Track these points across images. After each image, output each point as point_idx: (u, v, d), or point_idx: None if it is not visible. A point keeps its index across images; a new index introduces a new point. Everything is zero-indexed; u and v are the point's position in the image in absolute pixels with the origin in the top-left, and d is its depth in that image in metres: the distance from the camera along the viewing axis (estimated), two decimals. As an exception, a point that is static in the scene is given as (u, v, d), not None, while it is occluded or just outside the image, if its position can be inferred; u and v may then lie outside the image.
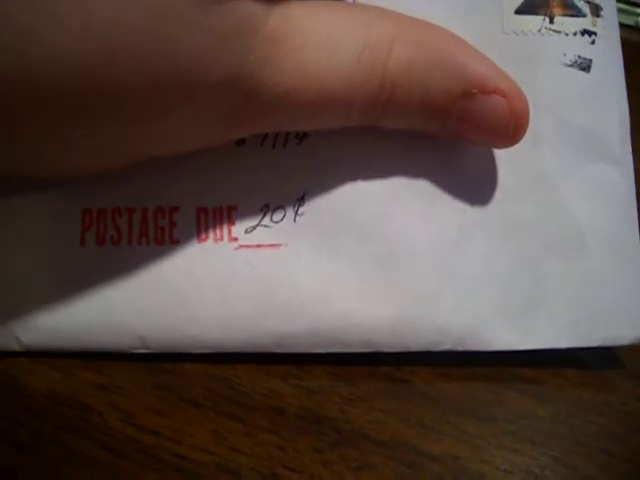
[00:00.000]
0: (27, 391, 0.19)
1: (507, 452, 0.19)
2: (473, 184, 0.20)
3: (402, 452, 0.19)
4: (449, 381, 0.20)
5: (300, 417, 0.19)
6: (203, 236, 0.20)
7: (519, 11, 0.21)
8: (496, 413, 0.20)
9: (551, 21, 0.21)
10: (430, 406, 0.20)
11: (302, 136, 0.20)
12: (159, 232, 0.20)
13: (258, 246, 0.20)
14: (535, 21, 0.21)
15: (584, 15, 0.21)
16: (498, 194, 0.20)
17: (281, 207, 0.20)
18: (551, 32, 0.21)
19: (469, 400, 0.20)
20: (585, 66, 0.21)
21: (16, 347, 0.19)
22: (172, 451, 0.18)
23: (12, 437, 0.18)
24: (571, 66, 0.21)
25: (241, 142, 0.20)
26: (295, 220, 0.20)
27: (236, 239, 0.20)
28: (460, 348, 0.20)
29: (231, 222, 0.20)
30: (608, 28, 0.21)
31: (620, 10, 0.28)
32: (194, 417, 0.19)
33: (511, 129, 0.19)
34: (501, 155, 0.21)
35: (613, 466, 0.19)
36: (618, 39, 0.21)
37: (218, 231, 0.20)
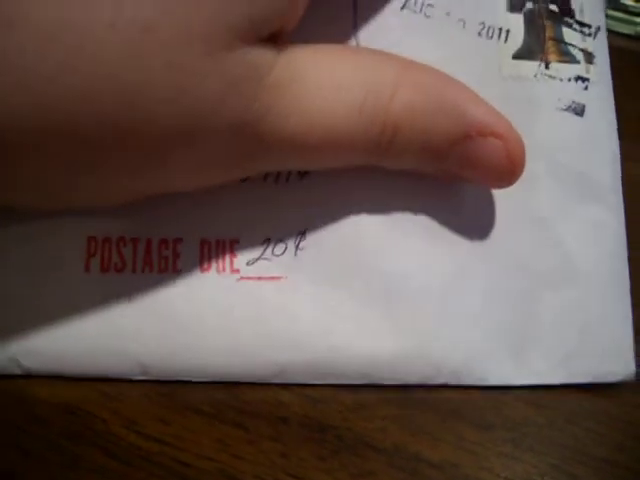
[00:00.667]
0: (32, 398, 0.19)
1: (507, 460, 0.19)
2: (471, 222, 0.21)
3: (403, 459, 0.19)
4: (449, 389, 0.20)
5: (303, 425, 0.19)
6: (205, 266, 0.20)
7: (516, 56, 0.21)
8: (495, 421, 0.20)
9: (547, 67, 0.22)
10: (430, 413, 0.20)
11: (304, 173, 0.21)
12: (162, 261, 0.20)
13: (259, 278, 0.20)
14: (531, 66, 0.21)
15: (578, 62, 0.22)
16: (494, 233, 0.21)
17: (282, 241, 0.20)
18: (547, 77, 0.22)
19: (468, 407, 0.20)
20: (579, 111, 0.22)
21: (16, 370, 0.19)
22: (176, 458, 0.18)
23: (17, 443, 0.18)
24: (566, 110, 0.22)
25: (244, 178, 0.20)
26: (296, 254, 0.20)
27: (238, 270, 0.20)
28: (455, 382, 0.20)
29: (233, 254, 0.20)
30: (601, 75, 0.22)
31: (620, 19, 0.28)
32: (197, 425, 0.19)
33: (508, 171, 0.19)
34: (498, 194, 0.21)
35: (613, 474, 0.19)
36: (610, 85, 0.22)
37: (220, 262, 0.20)
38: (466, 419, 0.20)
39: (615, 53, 0.29)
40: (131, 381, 0.20)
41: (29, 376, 0.19)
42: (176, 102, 0.16)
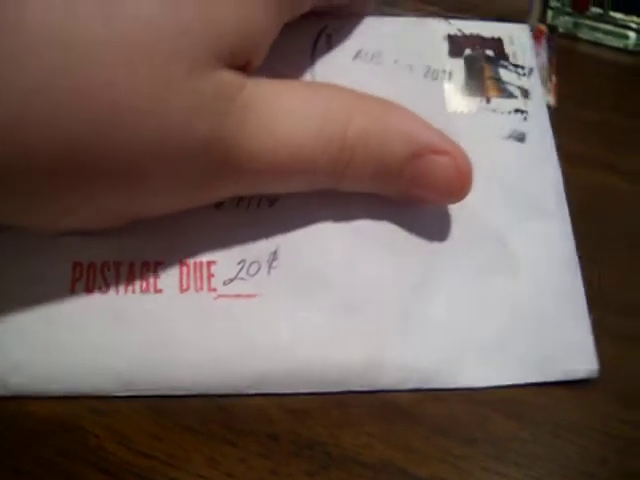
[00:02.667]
0: (24, 413, 0.19)
1: (491, 474, 0.20)
2: (430, 236, 0.23)
3: (390, 474, 0.19)
4: (434, 402, 0.21)
5: (292, 442, 0.20)
6: (185, 286, 0.21)
7: (459, 94, 0.24)
8: (479, 435, 0.20)
9: (488, 101, 0.24)
10: (416, 428, 0.20)
11: (273, 200, 0.22)
12: (144, 283, 0.21)
13: (236, 296, 0.21)
14: (474, 102, 0.24)
15: (515, 97, 0.25)
16: (452, 245, 0.23)
17: (256, 262, 0.22)
18: (488, 111, 0.24)
19: (453, 422, 0.21)
20: (520, 137, 0.24)
21: (2, 391, 0.20)
22: (167, 475, 0.19)
23: (9, 459, 0.19)
24: (508, 138, 0.24)
25: (219, 205, 0.22)
26: (269, 273, 0.22)
27: (215, 289, 0.21)
28: (426, 386, 0.21)
29: (210, 275, 0.21)
30: (537, 107, 0.25)
31: (610, 33, 0.28)
32: (189, 442, 0.19)
33: (458, 185, 0.21)
34: (454, 212, 0.23)
35: (597, 488, 0.20)
36: (547, 115, 0.25)
37: (199, 282, 0.21)
38: (451, 434, 0.20)
39: (606, 66, 0.29)
40: (122, 397, 0.20)
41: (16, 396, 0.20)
42: (157, 118, 0.17)
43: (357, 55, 0.24)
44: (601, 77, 0.27)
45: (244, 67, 0.19)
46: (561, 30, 0.28)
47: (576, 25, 0.28)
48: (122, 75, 0.16)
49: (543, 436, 0.20)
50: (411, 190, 0.21)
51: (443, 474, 0.19)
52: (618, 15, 0.27)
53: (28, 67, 0.16)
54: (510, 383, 0.21)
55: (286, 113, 0.19)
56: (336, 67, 0.24)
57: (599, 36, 0.28)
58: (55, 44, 0.16)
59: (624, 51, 0.28)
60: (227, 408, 0.20)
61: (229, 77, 0.18)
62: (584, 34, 0.28)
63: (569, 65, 0.25)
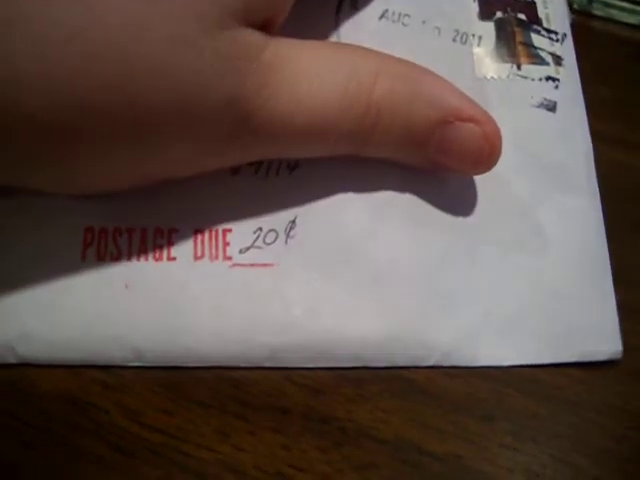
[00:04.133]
0: (34, 389, 0.19)
1: (508, 451, 0.19)
2: (454, 209, 0.22)
3: (405, 451, 0.19)
4: (451, 379, 0.20)
5: (305, 416, 0.19)
6: (199, 255, 0.21)
7: (489, 59, 0.23)
8: (497, 412, 0.20)
9: (518, 68, 0.23)
10: (432, 405, 0.20)
11: (293, 166, 0.22)
12: (157, 250, 0.21)
13: (251, 265, 0.21)
14: (504, 68, 0.23)
15: (547, 64, 0.23)
16: (477, 219, 0.22)
17: (273, 230, 0.21)
18: (519, 78, 0.23)
19: (470, 399, 0.20)
20: (551, 107, 0.23)
21: (11, 359, 0.20)
22: (178, 449, 0.18)
23: (19, 435, 0.18)
24: (538, 107, 0.23)
25: (236, 171, 0.21)
26: (287, 242, 0.21)
27: (230, 258, 0.21)
28: (446, 363, 0.21)
29: (226, 243, 0.21)
30: (569, 75, 0.24)
31: (623, 9, 0.28)
32: (199, 416, 0.19)
33: (485, 154, 0.20)
34: (479, 184, 0.22)
35: (614, 465, 0.19)
36: (579, 84, 0.24)
37: (214, 250, 0.21)
38: (468, 410, 0.20)
39: (619, 43, 0.29)
40: (133, 372, 0.20)
41: (27, 365, 0.19)
42: (174, 75, 0.17)
43: (383, 15, 0.23)
44: (615, 54, 0.27)
45: (266, 26, 0.18)
46: (575, 7, 0.28)
47: (590, 2, 0.27)
48: (137, 33, 0.16)
49: (561, 413, 0.20)
50: (437, 158, 0.21)
51: (460, 451, 0.19)
52: (633, -8, 0.27)
53: (59, 21, 0.15)
54: (531, 362, 0.21)
55: (309, 74, 0.19)
56: (361, 27, 0.23)
57: (613, 13, 0.27)
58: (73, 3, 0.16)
59: (638, 27, 0.28)
60: (238, 382, 0.20)
61: (249, 37, 0.18)
62: (598, 11, 0.27)
63: (583, 42, 0.25)
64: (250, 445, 0.19)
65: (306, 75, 0.18)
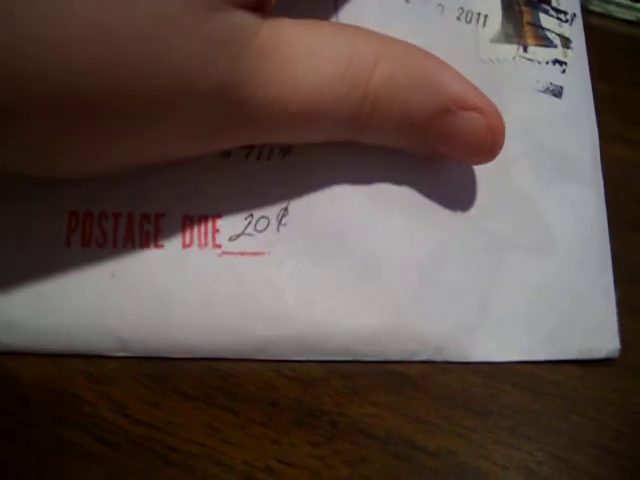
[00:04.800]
0: (17, 380, 0.19)
1: (503, 447, 0.19)
2: (452, 199, 0.21)
3: (397, 446, 0.19)
4: (445, 374, 0.20)
5: (295, 410, 0.19)
6: (188, 242, 0.20)
7: (494, 40, 0.22)
8: (492, 407, 0.20)
9: (525, 50, 0.22)
10: (425, 400, 0.20)
11: (286, 150, 0.21)
12: (144, 236, 0.20)
13: (241, 253, 0.20)
14: (509, 49, 0.22)
15: (555, 46, 0.22)
16: (476, 209, 0.21)
17: (265, 217, 0.20)
18: (525, 60, 0.22)
19: (465, 394, 0.20)
20: (557, 92, 0.22)
21: None
22: (164, 442, 0.18)
23: (2, 426, 0.18)
24: (544, 92, 0.22)
25: (227, 154, 0.21)
26: (278, 230, 0.20)
27: (220, 246, 0.20)
28: (439, 358, 0.20)
29: (216, 229, 0.20)
30: (578, 59, 0.22)
31: (621, 5, 0.28)
32: (186, 409, 0.19)
33: (488, 144, 0.20)
34: (480, 173, 0.21)
35: (612, 463, 0.19)
36: (587, 69, 0.23)
37: (203, 238, 0.20)
38: (462, 406, 0.19)
39: (617, 39, 0.28)
40: (118, 363, 0.19)
41: (11, 353, 0.19)
42: (162, 61, 0.16)
43: None
44: (612, 50, 0.26)
45: (260, 6, 0.17)
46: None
47: (588, -2, 0.27)
48: (122, 15, 0.15)
49: (557, 409, 0.20)
50: (437, 146, 0.20)
51: (453, 446, 0.19)
52: (630, -13, 0.27)
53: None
54: (527, 359, 0.20)
55: (305, 57, 0.18)
56: (361, 4, 0.21)
57: (611, 9, 0.27)
58: None
59: (636, 24, 0.28)
60: (227, 374, 0.19)
61: (242, 19, 0.17)
62: (595, 6, 0.27)
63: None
64: (238, 439, 0.18)
65: (302, 60, 0.18)
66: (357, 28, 0.19)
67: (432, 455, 0.18)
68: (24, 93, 0.15)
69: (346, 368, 0.20)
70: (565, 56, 0.22)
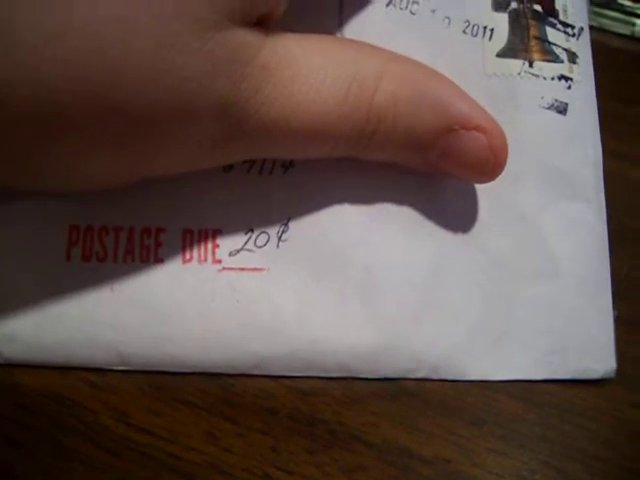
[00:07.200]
0: (21, 388, 0.19)
1: (497, 456, 0.19)
2: (452, 217, 0.21)
3: (394, 454, 0.19)
4: (441, 384, 0.20)
5: (293, 419, 0.19)
6: (188, 257, 0.20)
7: (500, 54, 0.22)
8: (486, 417, 0.20)
9: (530, 65, 0.22)
10: (421, 409, 0.20)
11: (288, 165, 0.21)
12: (144, 251, 0.20)
13: (241, 269, 0.20)
14: (515, 65, 0.22)
15: (562, 61, 0.22)
16: (476, 228, 0.21)
17: (265, 232, 0.20)
18: (530, 76, 0.22)
19: (460, 403, 0.20)
20: (562, 109, 0.22)
21: None
22: (165, 450, 0.18)
23: (7, 433, 0.18)
24: (548, 109, 0.22)
25: (228, 168, 0.21)
26: (278, 246, 0.20)
27: (220, 261, 0.20)
28: (435, 376, 0.20)
29: (215, 244, 0.20)
30: (584, 75, 0.22)
31: (616, 19, 0.28)
32: (187, 417, 0.19)
33: (490, 165, 0.19)
34: (480, 190, 0.21)
35: (604, 471, 0.19)
36: (593, 85, 0.22)
37: (203, 252, 0.20)
38: (457, 415, 0.20)
39: (612, 53, 0.29)
40: (121, 372, 0.20)
41: (12, 365, 0.19)
42: (162, 81, 0.16)
43: (390, 2, 0.21)
44: (607, 64, 0.27)
45: (264, 20, 0.17)
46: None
47: (583, 12, 0.28)
48: (121, 38, 0.15)
49: (551, 419, 0.20)
50: (439, 164, 0.20)
51: (448, 455, 0.19)
52: (625, 2, 0.27)
53: (35, 23, 0.15)
54: (522, 378, 0.21)
55: (308, 76, 0.18)
56: (366, 14, 0.21)
57: (606, 22, 0.27)
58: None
59: (630, 38, 0.28)
60: (227, 384, 0.20)
61: (245, 37, 0.17)
62: (590, 20, 0.27)
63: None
64: (238, 447, 0.18)
65: (304, 78, 0.18)
66: (361, 44, 0.19)
67: (428, 463, 0.19)
68: (15, 110, 0.15)
69: (344, 377, 0.20)
70: (571, 71, 0.22)
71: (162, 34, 0.16)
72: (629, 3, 0.27)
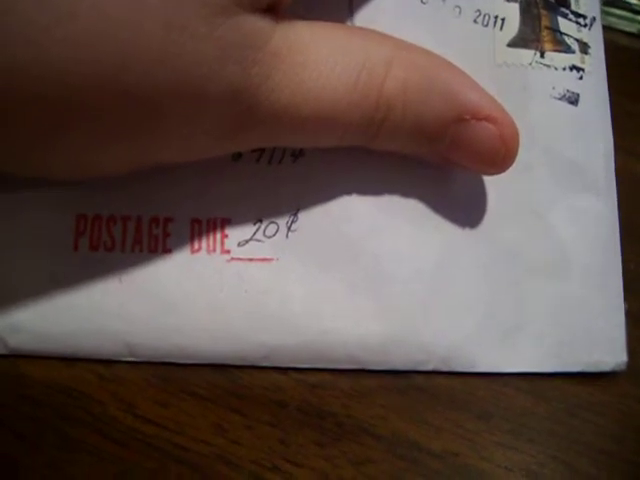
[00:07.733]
0: (28, 380, 0.19)
1: (506, 450, 0.19)
2: (463, 208, 0.21)
3: (402, 447, 0.19)
4: (450, 377, 0.20)
5: (302, 411, 0.19)
6: (196, 247, 0.20)
7: (511, 44, 0.22)
8: (495, 411, 0.20)
9: (542, 55, 0.22)
10: (430, 402, 0.20)
11: (297, 154, 0.21)
12: (152, 241, 0.20)
13: (250, 260, 0.20)
14: (526, 54, 0.22)
15: (573, 52, 0.22)
16: (485, 219, 0.21)
17: (274, 222, 0.20)
18: (541, 66, 0.22)
19: (469, 397, 0.20)
20: (573, 100, 0.22)
21: (2, 350, 0.19)
22: (172, 442, 0.18)
23: (12, 425, 0.18)
24: (560, 99, 0.22)
25: (237, 157, 0.20)
26: (287, 236, 0.20)
27: (228, 251, 0.20)
28: (445, 368, 0.20)
29: (224, 234, 0.20)
30: (595, 65, 0.22)
31: (622, 17, 0.28)
32: (195, 409, 0.19)
33: (500, 156, 0.19)
34: (489, 181, 0.21)
35: (612, 466, 0.19)
36: (605, 76, 0.22)
37: (211, 242, 0.20)
38: (466, 408, 0.20)
39: (617, 51, 0.29)
40: (128, 363, 0.20)
41: (17, 355, 0.19)
42: (172, 65, 0.16)
43: None
44: (613, 62, 0.27)
45: (274, 7, 0.17)
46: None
47: (589, 10, 0.28)
48: (131, 20, 0.15)
49: (559, 413, 0.20)
50: (449, 155, 0.20)
51: (457, 448, 0.19)
52: (632, 0, 0.27)
53: (46, 4, 0.15)
54: (532, 370, 0.20)
55: (318, 63, 0.17)
56: (377, 3, 0.21)
57: (612, 20, 0.27)
58: None
59: (637, 36, 0.28)
60: (235, 376, 0.20)
61: (255, 23, 0.17)
62: (597, 17, 0.28)
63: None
64: (246, 439, 0.18)
65: (315, 65, 0.17)
66: (371, 32, 0.19)
67: (437, 457, 0.19)
68: (25, 92, 0.15)
69: (353, 370, 0.20)
70: (583, 62, 0.22)
71: (172, 17, 0.15)
72: (635, 1, 0.27)
